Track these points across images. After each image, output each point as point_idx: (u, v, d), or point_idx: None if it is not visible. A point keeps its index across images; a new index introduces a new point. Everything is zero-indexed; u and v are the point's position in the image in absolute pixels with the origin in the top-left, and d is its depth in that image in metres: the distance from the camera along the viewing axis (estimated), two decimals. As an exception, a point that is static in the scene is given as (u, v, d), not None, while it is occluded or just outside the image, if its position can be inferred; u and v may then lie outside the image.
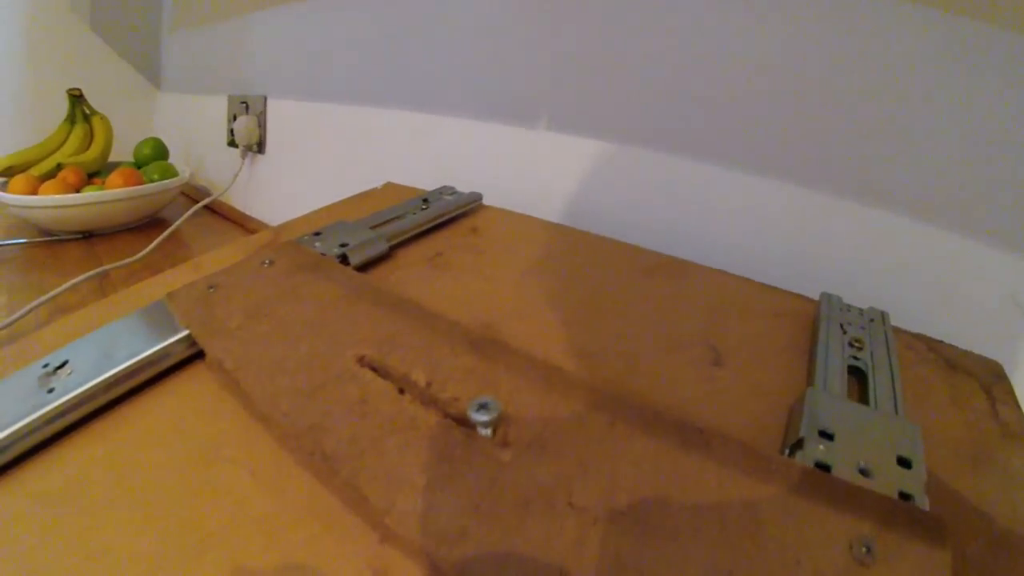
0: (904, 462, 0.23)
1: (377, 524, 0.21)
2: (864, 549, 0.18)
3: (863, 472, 0.23)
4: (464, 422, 0.23)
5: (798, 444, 0.24)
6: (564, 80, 0.63)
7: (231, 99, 1.18)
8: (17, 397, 0.28)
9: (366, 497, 0.20)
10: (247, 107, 1.12)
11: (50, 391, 0.28)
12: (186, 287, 0.35)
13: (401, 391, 0.25)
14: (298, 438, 0.23)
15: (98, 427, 0.28)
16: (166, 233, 0.93)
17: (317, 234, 0.43)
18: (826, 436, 0.24)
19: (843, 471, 0.22)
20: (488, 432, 0.22)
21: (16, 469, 0.25)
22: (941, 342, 0.36)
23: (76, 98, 1.13)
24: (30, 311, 0.67)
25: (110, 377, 0.29)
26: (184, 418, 0.28)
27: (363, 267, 0.42)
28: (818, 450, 0.23)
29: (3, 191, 0.95)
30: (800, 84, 0.47)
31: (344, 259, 0.41)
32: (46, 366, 0.30)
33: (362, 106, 0.89)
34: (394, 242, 0.45)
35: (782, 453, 0.25)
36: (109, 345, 0.31)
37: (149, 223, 1.09)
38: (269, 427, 0.26)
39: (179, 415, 0.28)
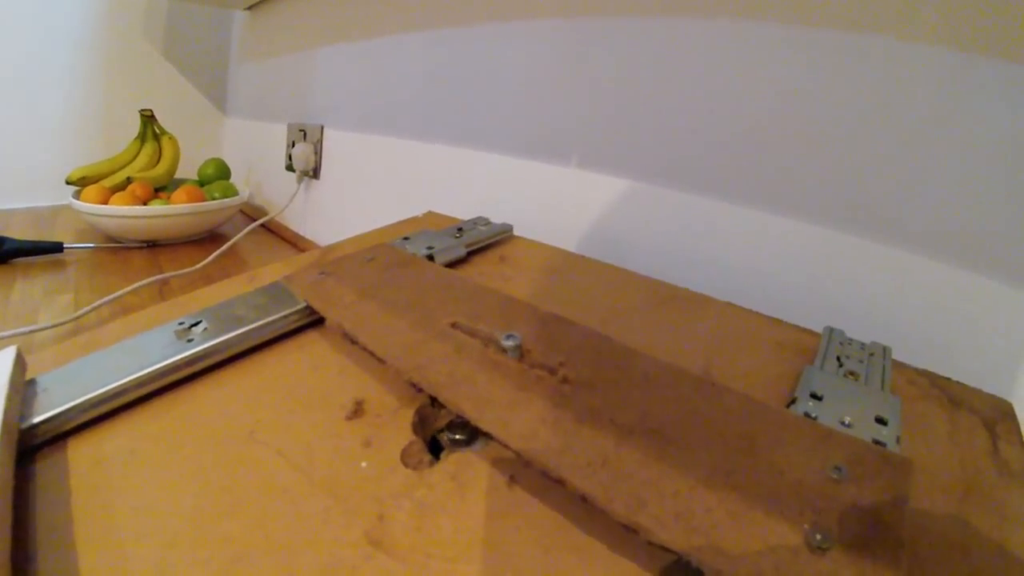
0: (881, 420, 0.29)
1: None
2: (837, 470, 0.25)
3: (844, 424, 0.29)
4: (537, 367, 0.31)
5: (792, 402, 0.31)
6: (593, 122, 0.69)
7: (291, 127, 1.30)
8: (161, 344, 0.35)
9: (464, 411, 0.28)
10: (305, 135, 1.22)
11: (189, 341, 0.35)
12: (300, 272, 0.44)
13: (486, 346, 0.33)
14: (409, 373, 0.31)
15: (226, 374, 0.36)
16: (224, 247, 1.00)
17: (406, 239, 0.53)
18: (816, 398, 0.31)
19: (827, 422, 0.29)
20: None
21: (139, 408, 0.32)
22: (948, 379, 0.36)
23: (148, 118, 1.26)
24: (94, 309, 0.75)
25: (241, 333, 0.37)
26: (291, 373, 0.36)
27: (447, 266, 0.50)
28: (808, 406, 0.30)
29: (76, 199, 1.04)
30: (808, 125, 0.50)
31: (431, 258, 0.50)
32: (181, 323, 0.37)
33: (409, 140, 0.97)
34: (471, 249, 0.54)
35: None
36: (233, 313, 0.39)
37: (209, 237, 1.19)
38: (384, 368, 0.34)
39: (297, 367, 0.36)
